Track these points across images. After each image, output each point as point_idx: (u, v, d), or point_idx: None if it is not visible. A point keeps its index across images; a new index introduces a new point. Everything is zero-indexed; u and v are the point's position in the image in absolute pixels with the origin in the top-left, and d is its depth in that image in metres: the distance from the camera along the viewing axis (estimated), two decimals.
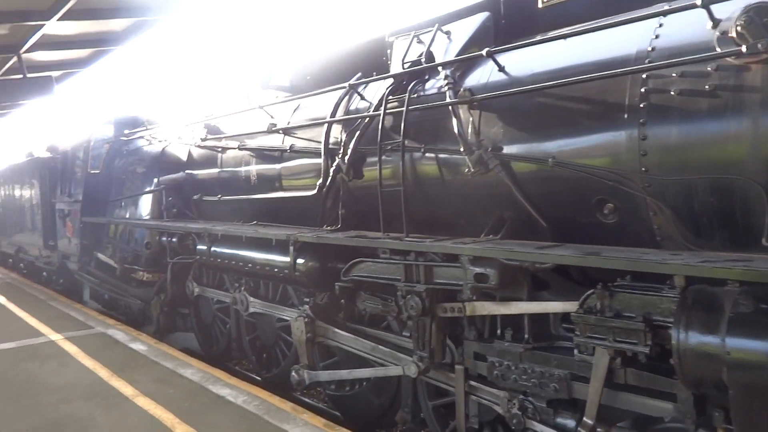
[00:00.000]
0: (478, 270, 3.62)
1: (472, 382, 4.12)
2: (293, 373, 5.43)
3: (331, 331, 5.27)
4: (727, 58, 2.78)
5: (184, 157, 7.92)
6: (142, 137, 9.19)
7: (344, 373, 5.15)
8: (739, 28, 2.66)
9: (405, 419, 4.92)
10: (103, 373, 5.82)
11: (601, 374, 3.17)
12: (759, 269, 2.42)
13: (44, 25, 6.56)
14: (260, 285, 6.54)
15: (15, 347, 7.02)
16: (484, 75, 4.10)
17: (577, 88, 3.40)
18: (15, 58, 7.76)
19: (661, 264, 2.77)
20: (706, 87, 2.86)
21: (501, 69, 3.95)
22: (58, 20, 6.40)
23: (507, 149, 3.83)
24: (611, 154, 3.31)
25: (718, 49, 2.77)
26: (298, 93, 6.12)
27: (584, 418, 3.30)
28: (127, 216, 9.18)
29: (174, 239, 7.64)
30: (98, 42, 8.43)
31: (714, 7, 2.78)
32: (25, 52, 7.67)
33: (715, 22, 2.82)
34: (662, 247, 3.22)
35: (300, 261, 5.12)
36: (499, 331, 3.91)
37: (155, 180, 8.37)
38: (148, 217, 8.55)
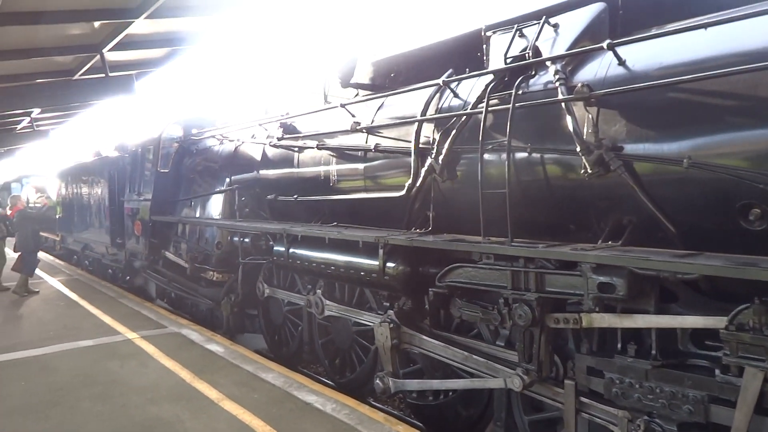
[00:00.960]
0: (602, 279, 3.35)
1: (583, 399, 3.84)
2: (377, 381, 5.24)
3: (418, 338, 5.06)
4: None
5: (258, 157, 7.84)
6: (212, 136, 9.20)
7: (435, 383, 4.93)
8: None
9: None
10: (185, 374, 5.77)
11: (751, 398, 2.87)
12: None
13: (132, 23, 6.60)
14: (335, 288, 6.39)
15: (94, 345, 7.08)
16: (601, 69, 3.82)
17: (720, 83, 3.10)
18: (98, 57, 7.88)
19: None
20: None
21: (621, 62, 3.67)
22: (144, 18, 6.44)
23: (631, 149, 3.55)
24: (761, 154, 2.99)
25: None
26: (380, 91, 5.95)
27: None
28: (197, 215, 9.21)
29: (246, 239, 7.58)
30: (173, 41, 8.48)
31: None
32: (108, 51, 7.77)
33: None
34: None
35: (390, 265, 4.92)
36: (619, 345, 3.62)
37: (227, 179, 8.33)
38: (219, 217, 8.53)
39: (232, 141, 8.54)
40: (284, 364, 6.92)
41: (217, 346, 6.89)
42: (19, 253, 11.72)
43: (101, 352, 6.74)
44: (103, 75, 8.23)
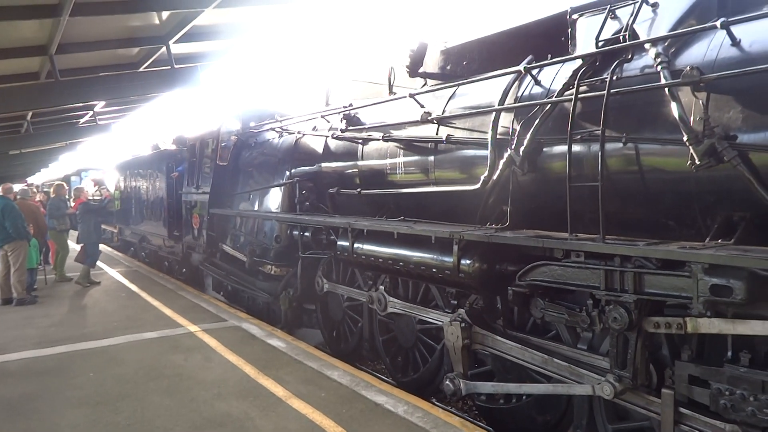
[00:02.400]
0: (716, 281, 3.04)
1: (683, 409, 3.53)
2: (447, 382, 5.02)
3: (491, 338, 4.82)
4: None
5: (320, 150, 7.72)
6: (272, 129, 9.14)
7: (512, 387, 4.68)
8: None
9: None
10: (249, 369, 5.69)
11: None
12: None
13: (202, 12, 6.56)
14: (398, 284, 6.20)
15: (157, 337, 7.10)
16: (711, 51, 3.49)
17: None
18: (163, 49, 7.91)
19: None
20: None
21: (735, 43, 3.34)
22: (214, 8, 6.38)
23: (745, 138, 3.22)
24: None
25: None
26: (451, 80, 5.72)
27: None
28: (256, 209, 9.18)
29: (306, 233, 7.47)
30: (236, 32, 8.44)
31: None
32: (174, 42, 7.78)
33: None
34: None
35: (466, 261, 4.69)
36: (729, 354, 3.30)
37: (287, 173, 8.24)
38: (278, 210, 8.46)
39: (292, 134, 8.45)
40: (343, 360, 6.80)
41: (278, 341, 6.80)
42: (82, 245, 11.98)
43: (165, 345, 6.74)
44: (169, 67, 8.27)
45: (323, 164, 7.58)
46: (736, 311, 3.17)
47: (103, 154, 26.00)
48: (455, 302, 5.25)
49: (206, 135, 11.06)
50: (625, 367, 3.66)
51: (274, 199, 8.70)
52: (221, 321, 7.93)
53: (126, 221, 17.66)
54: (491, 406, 5.30)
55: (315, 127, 7.85)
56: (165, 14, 6.66)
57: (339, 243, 6.39)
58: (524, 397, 4.99)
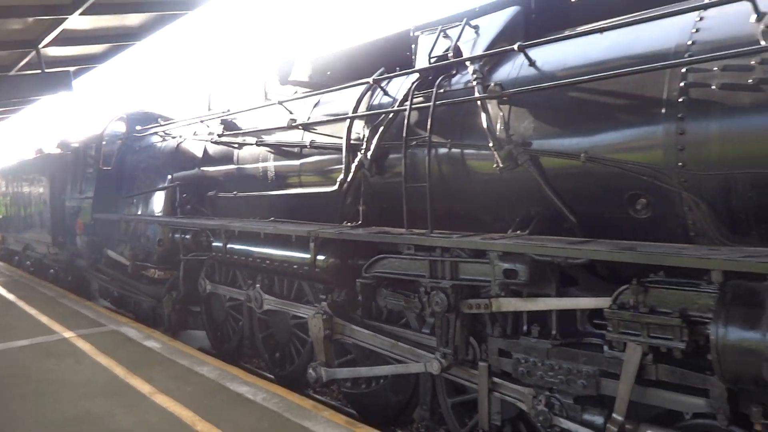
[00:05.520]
0: (507, 266, 3.58)
1: (496, 379, 4.06)
2: (310, 371, 5.39)
3: (349, 328, 5.23)
4: None
5: (200, 154, 7.89)
6: (155, 133, 9.18)
7: (364, 371, 5.11)
8: None
9: (423, 416, 4.89)
10: (119, 370, 5.78)
11: (632, 370, 3.13)
12: None
13: (66, 19, 6.53)
14: (275, 282, 6.50)
15: (29, 344, 6.98)
16: (514, 70, 4.07)
17: (614, 83, 3.38)
18: (33, 53, 7.75)
19: (702, 259, 2.74)
20: (750, 81, 2.83)
21: (532, 63, 3.93)
22: (80, 15, 6.39)
23: (537, 144, 3.81)
24: (647, 149, 3.28)
25: (763, 43, 2.74)
26: (317, 89, 6.10)
27: (613, 415, 3.25)
28: (140, 213, 9.16)
29: (187, 236, 7.61)
30: (115, 37, 8.41)
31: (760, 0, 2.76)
32: (44, 47, 7.65)
33: (760, 15, 2.78)
34: (695, 242, 3.19)
35: (320, 257, 5.08)
36: (525, 328, 3.86)
37: (169, 177, 8.34)
38: (161, 214, 8.52)
39: (175, 138, 8.55)
40: (227, 359, 7.00)
41: (154, 342, 6.89)
42: None
43: (37, 352, 6.65)
44: (39, 71, 8.10)
45: (203, 168, 7.75)
46: (530, 291, 3.73)
47: None
48: (324, 297, 5.63)
49: (90, 139, 10.85)
50: (447, 345, 4.16)
51: (157, 203, 8.74)
52: (99, 326, 7.88)
53: (9, 229, 16.78)
54: (354, 391, 5.71)
55: (196, 132, 8.01)
56: (31, 19, 6.60)
57: (214, 244, 6.62)
58: (381, 381, 5.43)
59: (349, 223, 5.25)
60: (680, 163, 3.10)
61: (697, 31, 3.14)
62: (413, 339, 4.75)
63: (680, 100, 3.08)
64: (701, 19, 3.15)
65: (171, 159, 8.54)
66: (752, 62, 2.84)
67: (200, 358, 6.18)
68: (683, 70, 3.08)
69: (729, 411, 2.87)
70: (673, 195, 3.20)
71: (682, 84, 3.08)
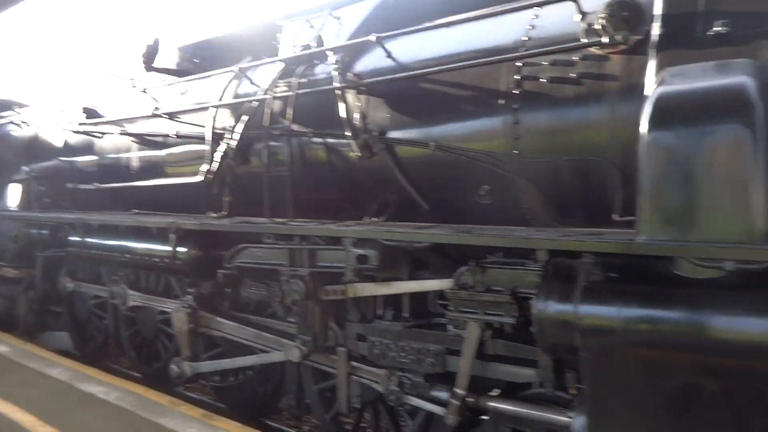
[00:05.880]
0: (359, 252, 3.66)
1: (354, 363, 4.14)
2: (172, 366, 5.18)
3: (214, 320, 5.11)
4: (591, 49, 3.01)
5: (60, 144, 7.38)
6: (11, 122, 8.48)
7: (226, 363, 5.01)
8: (602, 21, 2.89)
9: (289, 405, 4.87)
10: None
11: (471, 346, 3.31)
12: (608, 241, 2.62)
13: None
14: (140, 277, 6.22)
15: None
16: (372, 61, 4.16)
17: (460, 75, 3.54)
18: None
19: (525, 239, 2.94)
20: (573, 75, 3.08)
21: (389, 55, 4.03)
22: None
23: (392, 134, 3.91)
24: (488, 138, 3.47)
25: (584, 40, 2.99)
26: (185, 76, 5.91)
27: (455, 389, 3.41)
28: None
29: (44, 231, 7.10)
30: None
31: (583, 1, 3.01)
32: None
33: (583, 15, 3.04)
34: (531, 225, 3.42)
35: (181, 249, 4.92)
36: (381, 311, 3.96)
37: (24, 168, 7.73)
38: (15, 208, 7.87)
39: (32, 126, 7.94)
40: (91, 360, 6.61)
41: (3, 346, 6.36)
42: None
43: None
44: None
45: (62, 158, 7.26)
46: (384, 276, 3.83)
47: None
48: (192, 290, 5.44)
49: None
50: (308, 332, 4.18)
51: (12, 196, 8.06)
52: None
53: None
54: (222, 385, 5.59)
55: (55, 120, 7.48)
56: None
57: (70, 238, 6.22)
58: (248, 372, 5.35)
59: (213, 214, 5.12)
60: (516, 151, 3.30)
61: (532, 27, 3.36)
62: (278, 328, 4.72)
63: (516, 92, 3.28)
64: (537, 16, 3.38)
65: (27, 149, 7.92)
66: (575, 58, 3.09)
67: (53, 360, 5.78)
68: (519, 63, 3.30)
69: (554, 379, 3.11)
70: (511, 181, 3.41)
71: (517, 77, 3.29)
